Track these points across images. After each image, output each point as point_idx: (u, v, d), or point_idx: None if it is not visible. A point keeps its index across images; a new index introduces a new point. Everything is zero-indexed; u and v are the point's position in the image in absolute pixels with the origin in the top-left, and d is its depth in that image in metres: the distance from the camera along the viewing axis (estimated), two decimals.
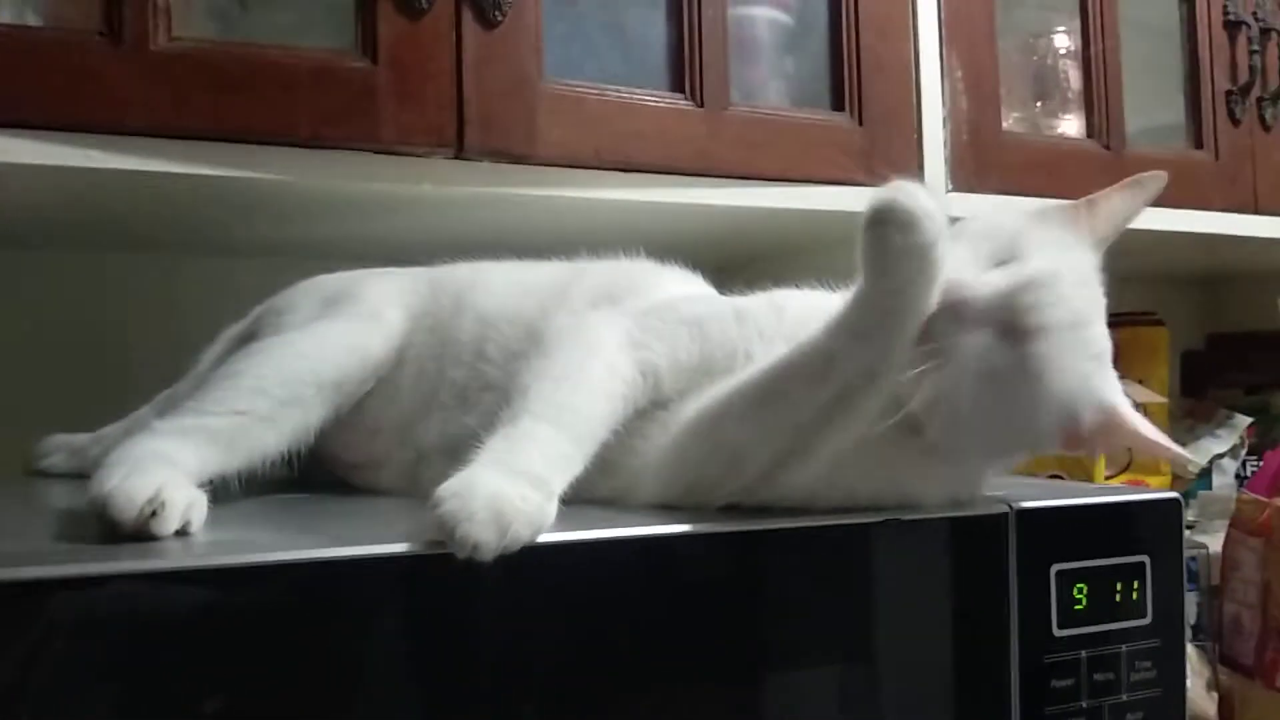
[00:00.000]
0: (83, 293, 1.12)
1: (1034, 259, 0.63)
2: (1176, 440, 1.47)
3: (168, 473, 0.57)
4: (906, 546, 0.64)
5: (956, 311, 0.60)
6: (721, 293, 0.78)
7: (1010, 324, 0.61)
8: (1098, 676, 0.68)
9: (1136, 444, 0.67)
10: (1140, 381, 1.34)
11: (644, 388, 0.66)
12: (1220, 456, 1.46)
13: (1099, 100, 1.21)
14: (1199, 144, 1.27)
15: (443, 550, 0.51)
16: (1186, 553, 1.23)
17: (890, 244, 0.55)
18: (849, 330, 0.58)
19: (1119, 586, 0.69)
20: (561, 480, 0.58)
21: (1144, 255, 1.47)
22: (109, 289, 1.13)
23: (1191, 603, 1.23)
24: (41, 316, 1.11)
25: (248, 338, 0.81)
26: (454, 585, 0.52)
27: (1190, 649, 1.16)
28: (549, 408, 0.61)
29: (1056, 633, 0.67)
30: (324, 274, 0.87)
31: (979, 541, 0.66)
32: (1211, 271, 1.70)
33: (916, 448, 0.62)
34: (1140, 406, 1.37)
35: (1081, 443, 0.65)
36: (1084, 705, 0.67)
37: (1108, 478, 1.34)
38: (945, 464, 0.65)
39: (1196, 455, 1.46)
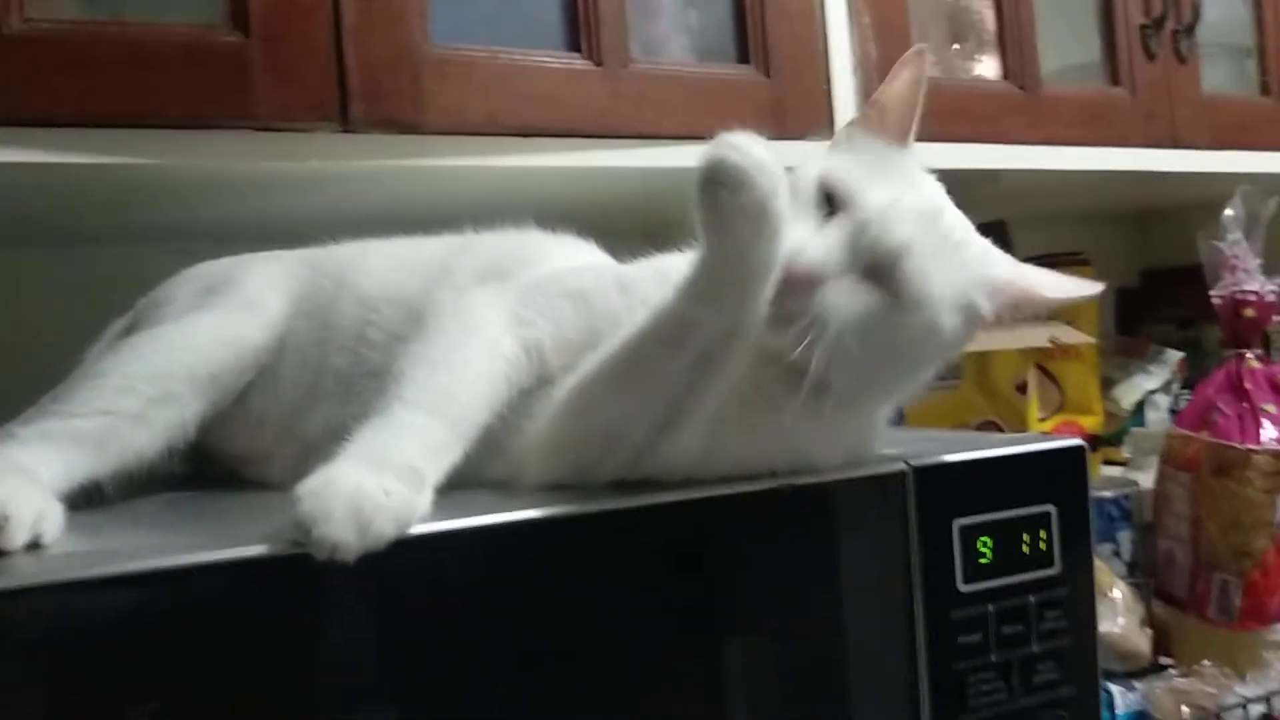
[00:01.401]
0: None
1: (858, 194, 0.62)
2: (1109, 378, 1.48)
3: (16, 484, 0.54)
4: (803, 511, 0.62)
5: (810, 282, 0.58)
6: (634, 258, 0.76)
7: (868, 265, 0.60)
8: (1006, 629, 0.67)
9: (1042, 302, 0.67)
10: (1069, 322, 1.34)
11: (528, 366, 0.64)
12: (1153, 392, 1.46)
13: (1013, 41, 1.19)
14: (1115, 80, 1.25)
15: (302, 551, 0.49)
16: (1119, 491, 1.25)
17: (725, 205, 0.53)
18: (698, 295, 0.56)
19: (1025, 538, 0.68)
20: (436, 469, 0.56)
21: (1072, 196, 1.47)
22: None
23: (1126, 540, 1.24)
24: None
25: (128, 331, 0.78)
26: (320, 586, 0.50)
27: (1124, 586, 1.17)
28: (423, 394, 0.58)
29: (962, 588, 0.66)
30: (210, 260, 0.84)
31: (878, 501, 0.64)
32: (1142, 208, 1.70)
33: (806, 408, 0.60)
34: (1070, 348, 1.37)
35: (997, 325, 0.65)
36: (993, 659, 0.67)
37: (1041, 419, 1.34)
38: (849, 414, 0.63)
39: (1129, 392, 1.47)
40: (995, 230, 1.31)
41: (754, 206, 0.53)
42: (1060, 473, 0.70)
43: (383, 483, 0.51)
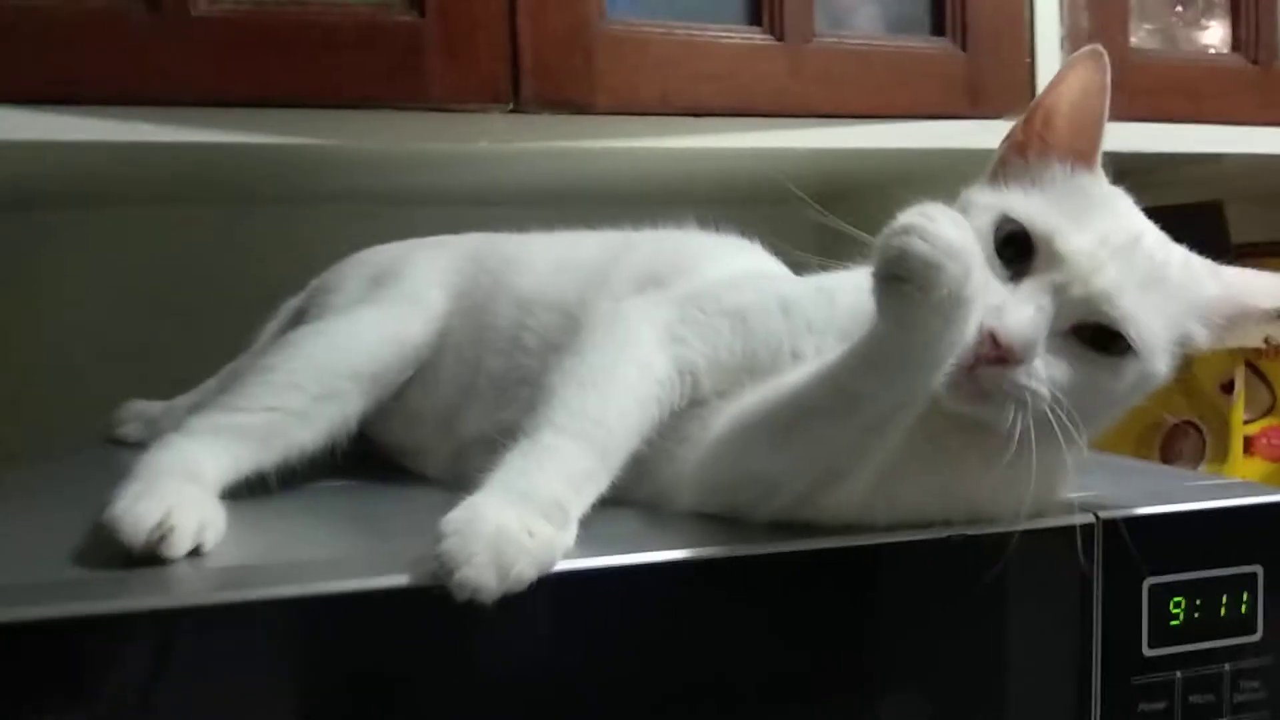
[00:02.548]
0: (153, 247, 1.13)
1: (1057, 241, 0.55)
2: None
3: (181, 491, 0.55)
4: (974, 563, 0.58)
5: (1019, 359, 0.53)
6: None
7: (1076, 323, 0.55)
8: (1194, 699, 0.61)
9: (1261, 314, 0.60)
10: None
11: (680, 388, 0.61)
12: None
13: (1247, 5, 1.07)
14: None
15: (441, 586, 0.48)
16: None
17: (910, 300, 0.47)
18: (871, 370, 0.51)
19: (1224, 600, 0.62)
20: (582, 502, 0.54)
21: None
22: (176, 241, 1.14)
23: None
24: (126, 269, 1.13)
25: (300, 314, 0.79)
26: (457, 618, 0.49)
27: None
28: (573, 419, 0.56)
29: (1147, 652, 0.60)
30: (379, 245, 0.85)
31: (1060, 555, 0.59)
32: None
33: (986, 457, 0.55)
34: None
35: (1217, 344, 0.60)
36: None
37: (1247, 422, 1.23)
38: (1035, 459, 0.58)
39: None
40: (1207, 212, 1.19)
41: (945, 302, 0.47)
42: (1271, 529, 0.63)
43: (526, 522, 0.50)
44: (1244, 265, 0.62)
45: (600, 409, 0.57)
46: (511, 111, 0.83)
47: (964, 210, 0.59)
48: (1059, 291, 0.54)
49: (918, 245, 0.47)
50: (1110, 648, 0.60)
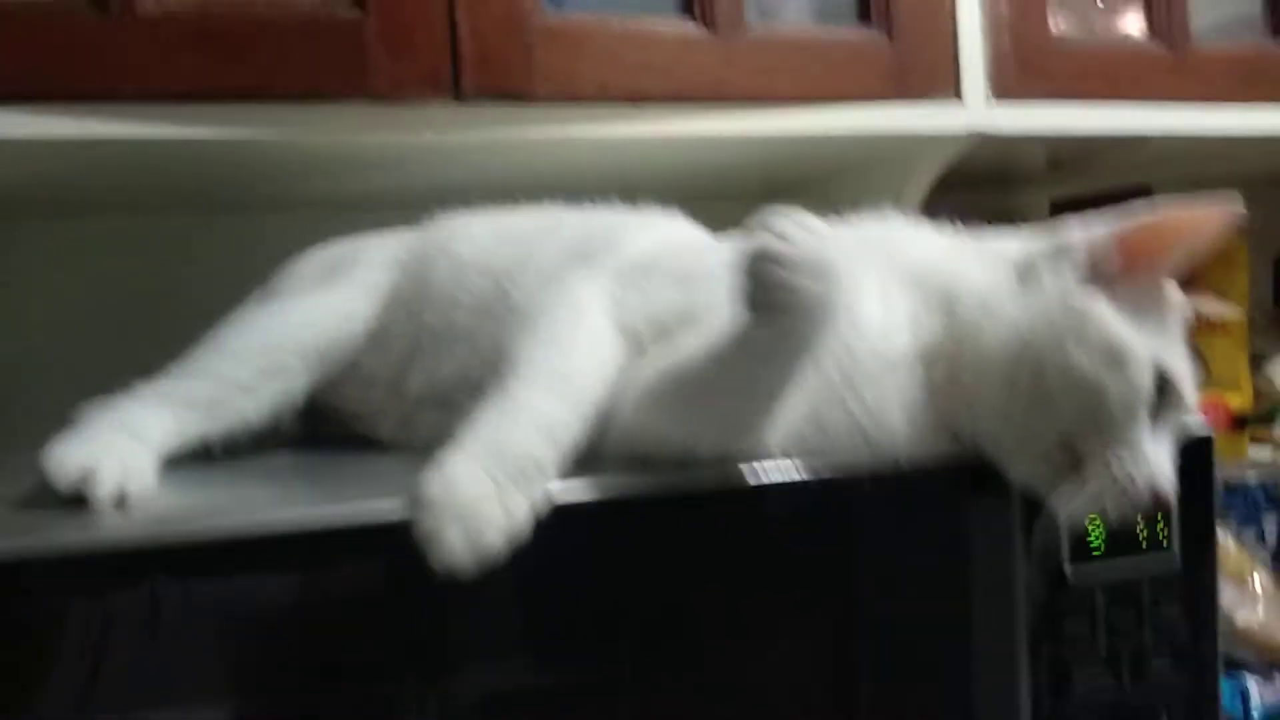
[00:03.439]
0: (112, 258, 1.14)
1: (1180, 383, 0.62)
2: (1261, 355, 1.39)
3: (113, 441, 0.58)
4: (899, 496, 0.61)
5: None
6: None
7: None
8: (1116, 616, 0.64)
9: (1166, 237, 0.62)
10: (1220, 292, 1.26)
11: (627, 349, 0.63)
12: None
13: None
14: (1277, 33, 1.16)
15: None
16: (1267, 477, 1.17)
17: (775, 321, 0.54)
18: (752, 359, 0.56)
19: (1140, 523, 0.65)
20: (557, 453, 0.56)
21: (1223, 159, 1.37)
22: (136, 252, 1.15)
23: (1273, 526, 1.16)
24: (85, 281, 1.14)
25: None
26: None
27: (1266, 575, 1.10)
28: (540, 374, 0.59)
29: (1068, 571, 0.63)
30: (339, 238, 0.87)
31: (981, 484, 0.62)
32: None
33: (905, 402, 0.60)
34: (1216, 322, 1.29)
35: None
36: (1101, 647, 0.64)
37: None
38: None
39: None
40: (1137, 196, 1.24)
41: (812, 315, 0.53)
42: (1184, 458, 0.66)
43: (500, 492, 0.52)
44: None
45: (565, 364, 0.60)
46: (454, 102, 0.86)
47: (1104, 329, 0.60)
48: (1176, 424, 0.61)
49: (777, 274, 0.52)
50: (1033, 568, 0.63)
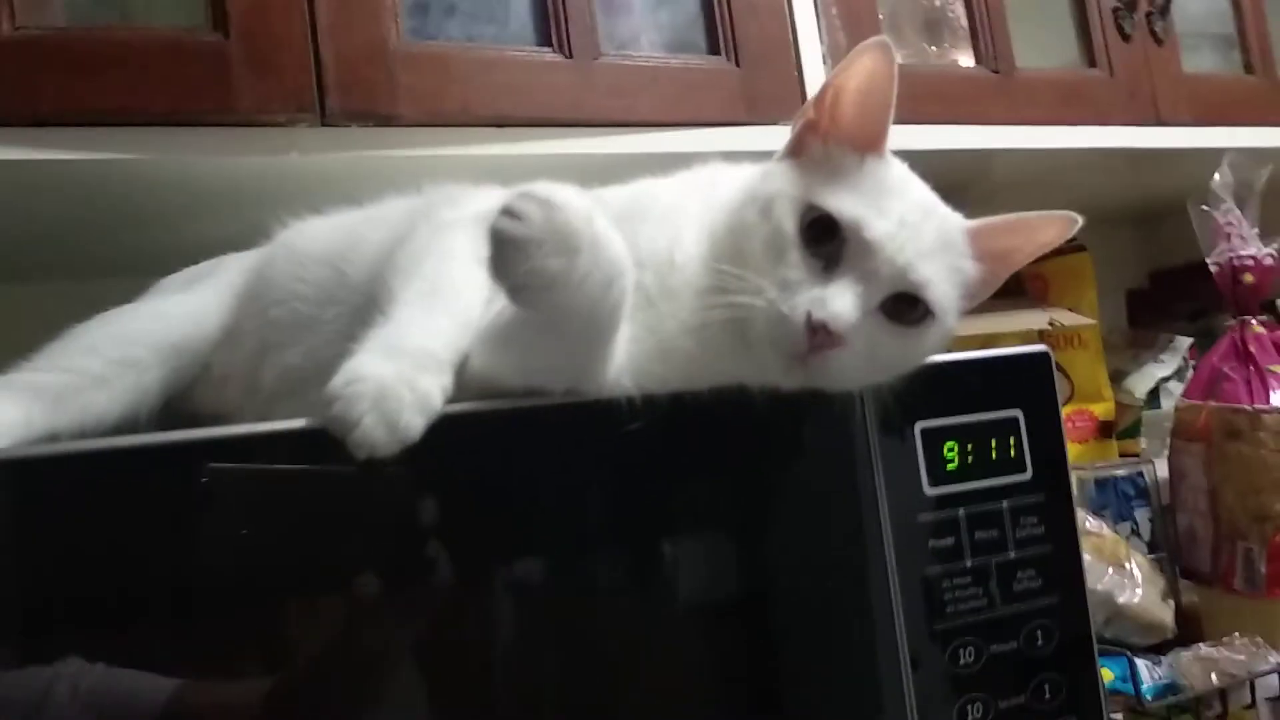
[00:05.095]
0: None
1: (863, 228, 0.62)
2: (1121, 370, 1.46)
3: None
4: (759, 419, 0.63)
5: (839, 342, 0.59)
6: None
7: (883, 300, 0.62)
8: (980, 535, 0.66)
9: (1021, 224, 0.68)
10: (1072, 309, 1.33)
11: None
12: (1166, 380, 1.44)
13: (984, 30, 1.22)
14: (1091, 62, 1.27)
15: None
16: (1132, 468, 1.22)
17: (541, 301, 0.55)
18: (541, 328, 0.58)
19: (994, 443, 0.68)
20: (451, 351, 0.57)
21: (1069, 189, 1.47)
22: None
23: (1145, 519, 1.21)
24: None
25: None
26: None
27: (1142, 559, 1.14)
28: (421, 296, 0.60)
29: (928, 491, 0.65)
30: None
31: (838, 406, 0.64)
32: (1145, 207, 1.69)
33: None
34: (1074, 336, 1.36)
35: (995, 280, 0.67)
36: (968, 565, 0.66)
37: None
38: None
39: (1142, 382, 1.45)
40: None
41: (579, 290, 0.54)
42: (1026, 378, 0.69)
43: (404, 375, 0.53)
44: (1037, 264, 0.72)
45: (443, 285, 0.61)
46: (319, 124, 0.88)
47: (769, 186, 0.64)
48: (869, 275, 0.60)
49: (518, 259, 0.53)
50: (894, 488, 0.65)
